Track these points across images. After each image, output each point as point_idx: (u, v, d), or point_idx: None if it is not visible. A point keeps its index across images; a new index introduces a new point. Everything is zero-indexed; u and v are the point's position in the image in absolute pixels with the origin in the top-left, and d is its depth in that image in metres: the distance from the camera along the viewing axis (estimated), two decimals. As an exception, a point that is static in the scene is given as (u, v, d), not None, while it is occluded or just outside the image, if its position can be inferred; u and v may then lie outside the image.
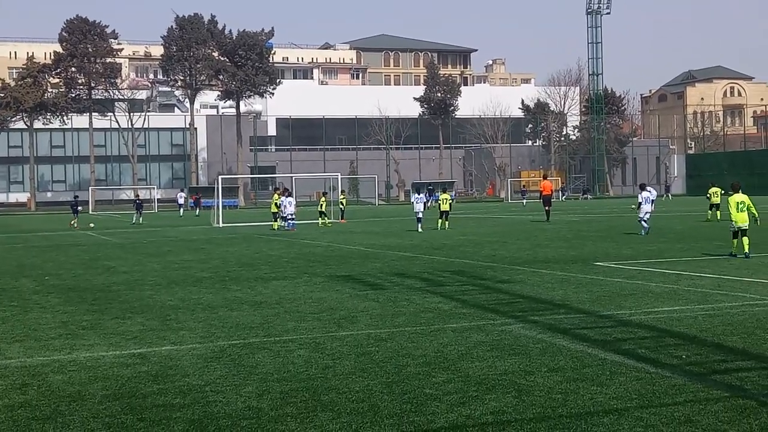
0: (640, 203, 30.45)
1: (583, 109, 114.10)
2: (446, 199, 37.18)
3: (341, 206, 48.54)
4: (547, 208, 41.61)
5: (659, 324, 11.59)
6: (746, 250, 20.21)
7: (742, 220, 20.59)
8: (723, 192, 37.19)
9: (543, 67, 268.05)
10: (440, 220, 36.51)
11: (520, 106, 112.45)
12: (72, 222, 48.78)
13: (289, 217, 39.93)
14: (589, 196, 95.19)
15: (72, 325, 12.80)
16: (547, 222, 39.77)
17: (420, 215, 36.17)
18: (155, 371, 9.40)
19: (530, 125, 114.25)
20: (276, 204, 41.34)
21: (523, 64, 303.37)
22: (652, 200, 31.05)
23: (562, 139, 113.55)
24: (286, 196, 40.95)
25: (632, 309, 12.97)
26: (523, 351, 9.94)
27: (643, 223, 30.00)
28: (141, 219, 52.46)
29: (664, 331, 11.08)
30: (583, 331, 11.19)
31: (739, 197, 20.92)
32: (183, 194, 70.80)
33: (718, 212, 36.84)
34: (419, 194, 38.03)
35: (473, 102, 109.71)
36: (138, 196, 61.11)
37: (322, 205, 44.45)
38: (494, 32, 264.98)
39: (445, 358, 9.67)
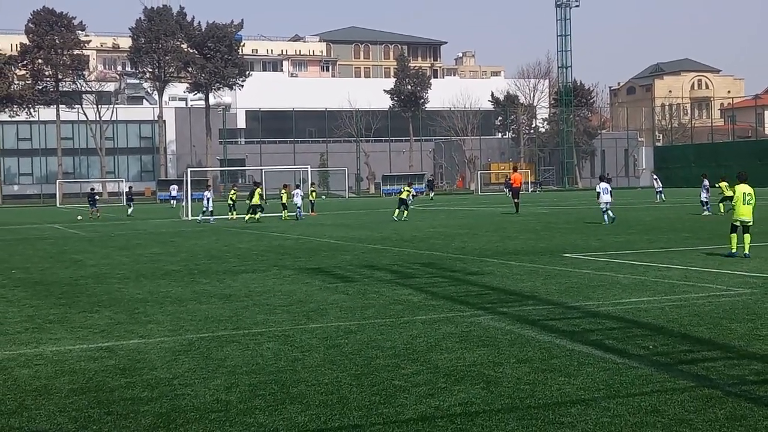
0: (599, 193, 31.97)
1: (553, 102, 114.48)
2: (408, 190, 40.47)
3: (311, 199, 48.40)
4: (516, 200, 41.87)
5: (627, 315, 11.68)
6: (746, 251, 18.31)
7: (746, 214, 18.60)
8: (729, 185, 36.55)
9: (512, 60, 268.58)
10: (398, 210, 38.69)
11: (490, 99, 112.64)
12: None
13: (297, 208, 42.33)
14: (538, 190, 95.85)
15: (39, 318, 12.69)
16: (517, 214, 39.98)
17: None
18: (123, 365, 9.35)
19: (500, 118, 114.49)
20: (261, 195, 41.81)
21: (493, 56, 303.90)
22: (610, 191, 32.03)
23: (532, 131, 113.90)
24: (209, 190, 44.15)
25: (600, 300, 13.05)
26: (492, 342, 9.98)
27: (608, 213, 31.16)
28: (98, 213, 49.74)
29: (631, 321, 11.16)
30: (552, 322, 11.25)
31: (746, 188, 18.90)
32: (176, 186, 70.70)
33: (724, 205, 35.28)
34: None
35: (443, 94, 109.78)
36: (93, 189, 58.89)
37: (283, 197, 44.25)
38: (464, 25, 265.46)
39: (414, 350, 9.69)
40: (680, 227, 28.81)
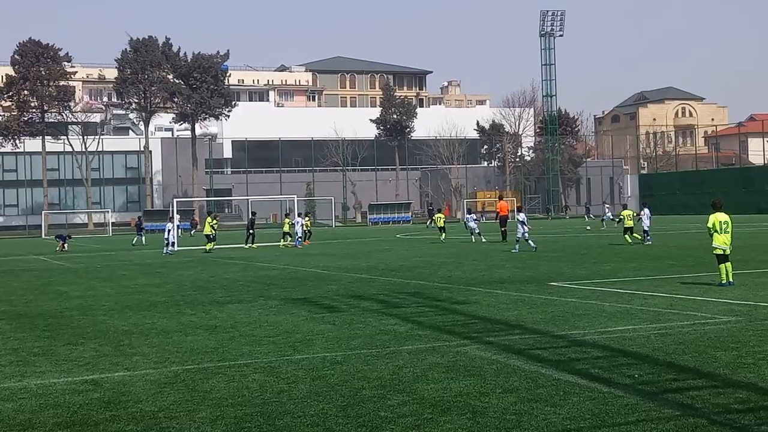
0: (522, 222, 34.32)
1: (538, 130, 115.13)
2: (440, 217, 46.52)
3: (306, 228, 48.64)
4: (503, 228, 41.97)
5: (612, 343, 11.69)
6: (730, 279, 18.23)
7: (724, 242, 18.29)
8: (636, 214, 37.42)
9: (498, 89, 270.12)
10: (443, 234, 44.89)
11: (476, 128, 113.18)
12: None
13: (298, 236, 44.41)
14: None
15: (23, 351, 12.61)
16: (504, 242, 40.05)
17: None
18: (108, 398, 9.30)
19: (485, 146, 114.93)
20: (212, 225, 42.77)
21: (478, 85, 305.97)
22: (523, 221, 34.56)
23: (517, 159, 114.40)
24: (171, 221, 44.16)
25: (586, 329, 13.07)
26: (478, 372, 9.98)
27: (530, 242, 33.42)
28: (65, 247, 48.05)
29: (617, 350, 11.18)
30: (538, 351, 11.26)
31: (722, 216, 18.50)
32: (178, 216, 70.26)
33: (630, 236, 35.56)
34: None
35: (429, 123, 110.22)
36: (70, 236, 56.15)
37: (285, 225, 44.98)
38: (449, 54, 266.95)
39: (400, 381, 9.68)
40: (665, 255, 28.91)
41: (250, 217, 47.17)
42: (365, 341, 12.50)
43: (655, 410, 8.06)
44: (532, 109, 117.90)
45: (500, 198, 48.68)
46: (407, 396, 8.92)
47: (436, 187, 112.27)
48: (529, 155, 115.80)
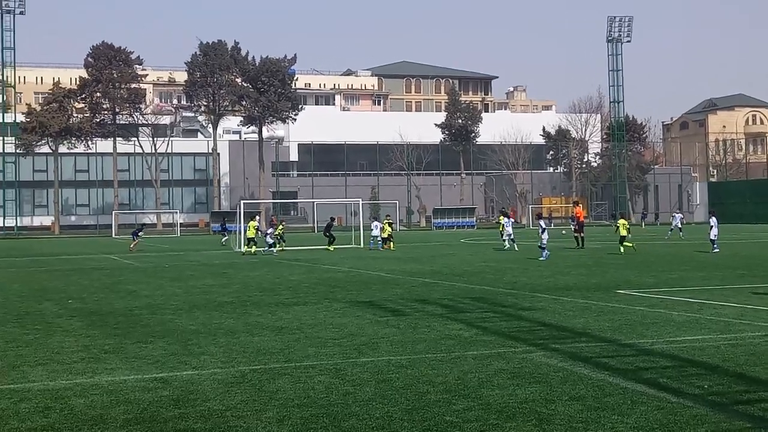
0: (545, 229, 34.09)
1: (605, 137, 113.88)
2: (500, 223, 44.23)
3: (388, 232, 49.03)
4: (581, 234, 41.72)
5: (681, 353, 11.53)
6: None
7: None
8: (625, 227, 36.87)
9: (564, 94, 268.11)
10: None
11: (541, 133, 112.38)
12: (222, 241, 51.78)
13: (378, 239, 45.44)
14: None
15: (94, 348, 12.86)
16: (581, 248, 39.78)
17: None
18: (176, 396, 9.44)
19: (551, 152, 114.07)
20: (256, 227, 43.77)
21: (544, 91, 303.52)
22: (544, 228, 34.17)
23: (584, 166, 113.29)
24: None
25: (654, 338, 12.90)
26: (544, 379, 9.92)
27: (545, 251, 33.03)
28: (134, 247, 48.54)
29: (686, 360, 11.02)
30: (605, 359, 11.15)
31: None
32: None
33: (623, 245, 35.34)
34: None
35: (494, 128, 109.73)
36: (143, 225, 60.81)
37: (385, 229, 46.18)
38: (515, 59, 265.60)
39: (465, 386, 9.66)
40: (735, 264, 28.39)
41: (328, 221, 49.04)
42: (430, 345, 12.50)
43: (725, 422, 7.94)
44: (598, 115, 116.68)
45: (576, 204, 48.16)
46: (472, 401, 8.91)
47: (501, 192, 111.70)
48: (595, 161, 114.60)
